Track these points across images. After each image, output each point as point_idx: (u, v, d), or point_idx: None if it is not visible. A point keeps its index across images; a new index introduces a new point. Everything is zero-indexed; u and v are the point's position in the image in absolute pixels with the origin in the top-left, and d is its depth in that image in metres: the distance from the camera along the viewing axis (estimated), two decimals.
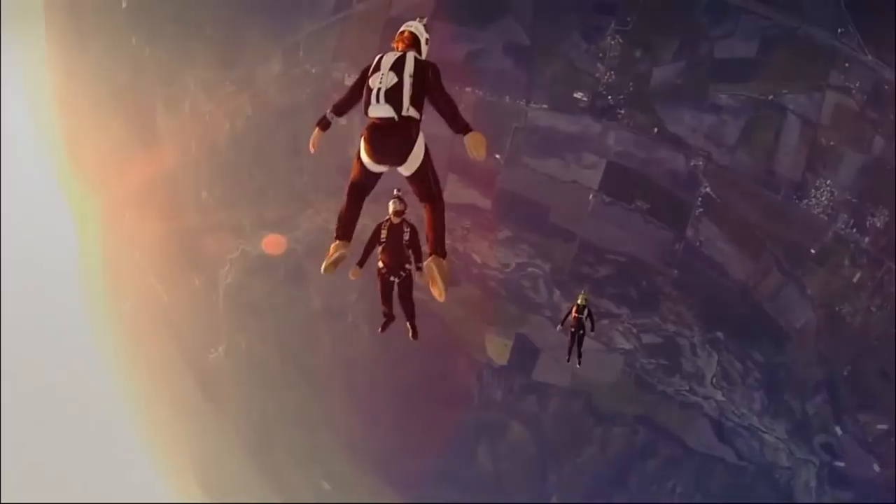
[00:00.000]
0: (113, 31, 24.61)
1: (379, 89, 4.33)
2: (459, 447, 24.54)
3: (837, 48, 17.36)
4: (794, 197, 18.39)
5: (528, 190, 20.55)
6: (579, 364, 12.85)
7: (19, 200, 39.25)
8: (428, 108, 4.50)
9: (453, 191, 20.45)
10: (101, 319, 36.43)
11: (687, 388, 21.07)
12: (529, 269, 21.53)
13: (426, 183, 4.61)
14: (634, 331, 21.05)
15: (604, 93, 19.14)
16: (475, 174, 20.31)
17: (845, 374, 19.06)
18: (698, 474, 21.84)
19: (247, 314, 26.86)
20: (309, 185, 22.95)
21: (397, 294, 7.49)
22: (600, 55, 18.94)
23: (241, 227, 25.47)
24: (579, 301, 12.16)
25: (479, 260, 22.02)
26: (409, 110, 4.32)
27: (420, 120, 4.44)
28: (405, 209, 6.88)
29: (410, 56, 4.49)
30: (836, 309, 18.60)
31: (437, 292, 4.58)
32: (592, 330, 12.47)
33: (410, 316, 7.76)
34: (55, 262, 40.07)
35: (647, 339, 21.02)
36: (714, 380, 20.71)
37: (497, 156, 20.24)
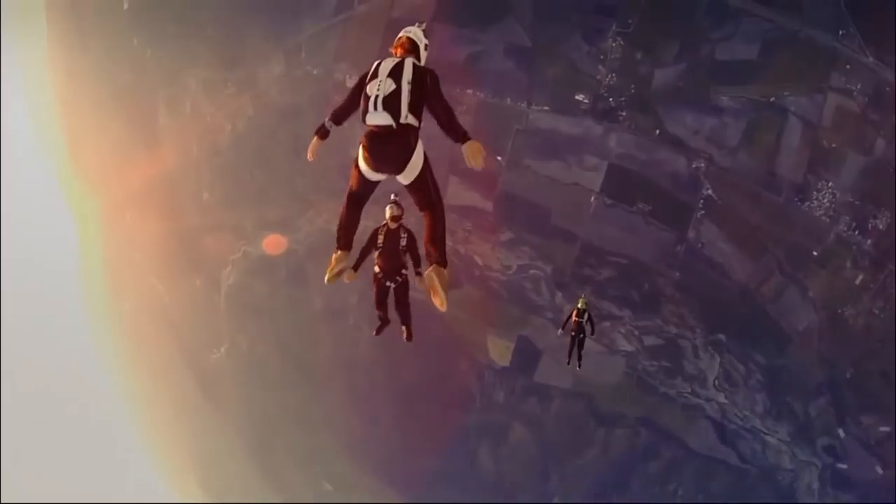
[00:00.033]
0: (114, 31, 24.61)
1: (377, 96, 4.24)
2: (461, 448, 24.53)
3: (838, 50, 17.37)
4: (796, 199, 18.39)
5: (529, 192, 20.55)
6: (579, 367, 12.94)
7: (19, 200, 39.22)
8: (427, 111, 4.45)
9: (455, 193, 20.45)
10: (102, 320, 36.41)
11: (689, 390, 21.05)
12: (531, 271, 21.53)
13: (426, 191, 4.55)
14: (636, 333, 21.03)
15: (605, 95, 19.15)
16: (476, 176, 20.29)
17: (848, 376, 19.04)
18: (700, 476, 21.82)
19: (248, 315, 26.85)
20: (310, 186, 22.94)
21: (393, 299, 7.45)
22: (601, 57, 18.94)
23: (243, 228, 25.47)
24: (579, 305, 12.29)
25: (480, 262, 22.01)
26: (407, 118, 4.24)
27: (419, 127, 4.38)
28: (402, 214, 6.84)
29: (409, 62, 4.41)
30: (839, 311, 18.61)
31: (439, 302, 4.55)
32: (592, 333, 12.58)
33: (406, 320, 7.73)
34: (55, 262, 40.04)
35: (648, 341, 21.01)
36: (716, 382, 20.69)
37: (498, 158, 20.24)
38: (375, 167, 4.43)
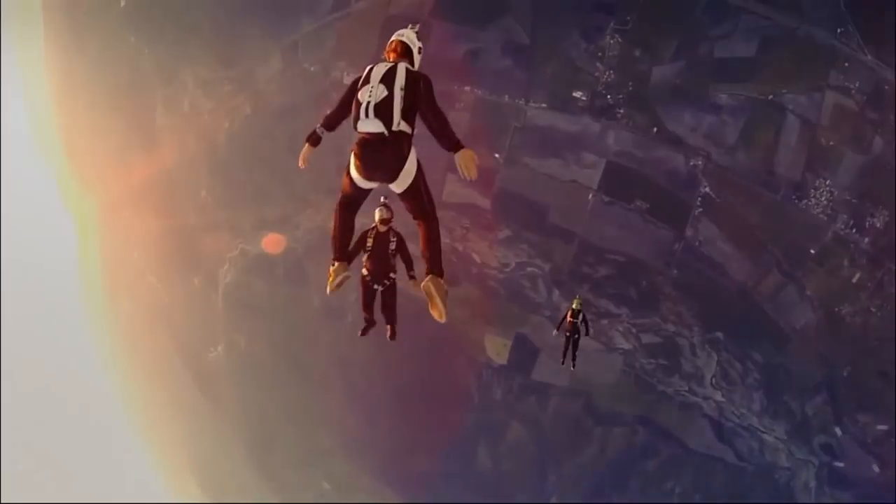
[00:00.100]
0: (111, 30, 24.58)
1: (368, 103, 4.12)
2: (459, 447, 24.51)
3: (837, 48, 17.36)
4: (794, 197, 18.39)
5: (527, 189, 20.53)
6: (573, 367, 12.98)
7: (19, 201, 39.27)
8: None
9: (452, 190, 20.38)
10: (100, 319, 36.38)
11: (686, 388, 21.05)
12: (529, 269, 21.51)
13: (419, 200, 4.44)
14: (634, 331, 21.02)
15: (603, 92, 19.12)
16: None
17: (845, 374, 19.06)
18: (698, 474, 21.83)
19: (246, 314, 26.82)
20: (308, 185, 22.89)
21: (380, 302, 7.41)
22: (600, 54, 18.92)
23: (241, 227, 25.43)
24: (574, 305, 12.34)
25: (478, 259, 21.98)
26: (400, 125, 4.12)
27: (412, 134, 4.26)
28: (392, 217, 6.79)
29: (402, 67, 4.29)
30: (836, 309, 18.62)
31: (437, 314, 4.44)
32: (587, 334, 12.63)
33: (391, 320, 7.66)
34: (54, 262, 40.06)
35: (646, 339, 21.00)
36: (714, 380, 20.70)
37: (496, 155, 20.22)
38: (367, 175, 4.33)
